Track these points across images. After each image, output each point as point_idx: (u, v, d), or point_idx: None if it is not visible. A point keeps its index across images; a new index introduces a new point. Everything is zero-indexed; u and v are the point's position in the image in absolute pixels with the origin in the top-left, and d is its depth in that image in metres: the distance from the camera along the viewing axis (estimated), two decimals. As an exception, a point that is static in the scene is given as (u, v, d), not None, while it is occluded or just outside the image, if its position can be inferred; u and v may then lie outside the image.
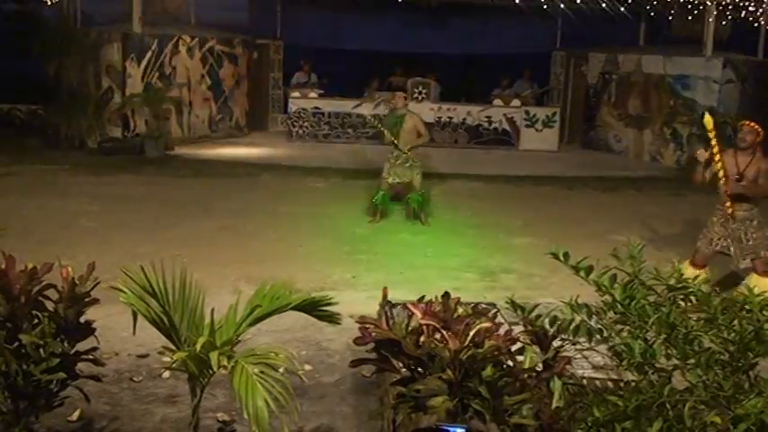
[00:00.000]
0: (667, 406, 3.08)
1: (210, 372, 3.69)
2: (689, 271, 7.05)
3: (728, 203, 7.22)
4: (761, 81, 15.56)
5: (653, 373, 3.26)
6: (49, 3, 14.98)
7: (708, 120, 7.10)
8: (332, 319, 4.13)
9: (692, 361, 3.21)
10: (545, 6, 15.96)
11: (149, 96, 14.95)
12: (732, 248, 7.36)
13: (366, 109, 16.75)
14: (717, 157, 7.14)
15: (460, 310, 3.84)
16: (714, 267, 7.44)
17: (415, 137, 10.15)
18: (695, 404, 3.01)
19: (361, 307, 6.26)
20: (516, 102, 17.44)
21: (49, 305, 4.10)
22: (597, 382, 4.13)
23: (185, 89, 15.98)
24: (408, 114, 10.21)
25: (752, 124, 7.31)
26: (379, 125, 10.39)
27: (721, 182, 7.18)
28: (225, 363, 3.51)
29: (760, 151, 7.29)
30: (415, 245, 9.33)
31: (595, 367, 4.36)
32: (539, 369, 3.58)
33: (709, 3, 15.11)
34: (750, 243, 7.29)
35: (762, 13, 15.65)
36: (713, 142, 7.13)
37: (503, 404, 3.40)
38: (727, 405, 3.01)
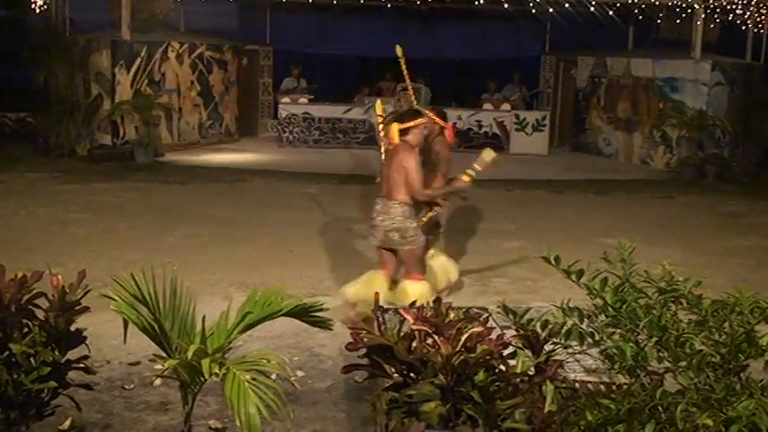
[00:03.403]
0: (659, 409, 3.09)
1: (202, 379, 3.68)
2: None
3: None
4: (749, 84, 15.64)
5: (645, 376, 3.27)
6: (38, 10, 14.92)
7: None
8: (324, 324, 4.12)
9: (684, 363, 3.22)
10: (534, 11, 16.00)
11: (139, 103, 14.91)
12: None
13: (356, 114, 16.76)
14: None
15: (452, 315, 3.84)
16: None
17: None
18: (687, 406, 3.02)
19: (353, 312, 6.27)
20: (506, 106, 17.47)
21: (40, 314, 4.08)
22: (589, 386, 4.14)
23: (175, 95, 15.95)
24: None
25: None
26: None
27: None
28: (216, 370, 3.50)
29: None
30: (406, 249, 9.30)
31: (587, 371, 4.37)
32: (531, 373, 3.58)
33: (697, 6, 15.18)
34: None
35: (749, 16, 15.73)
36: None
37: (495, 409, 3.40)
38: (718, 407, 3.02)
